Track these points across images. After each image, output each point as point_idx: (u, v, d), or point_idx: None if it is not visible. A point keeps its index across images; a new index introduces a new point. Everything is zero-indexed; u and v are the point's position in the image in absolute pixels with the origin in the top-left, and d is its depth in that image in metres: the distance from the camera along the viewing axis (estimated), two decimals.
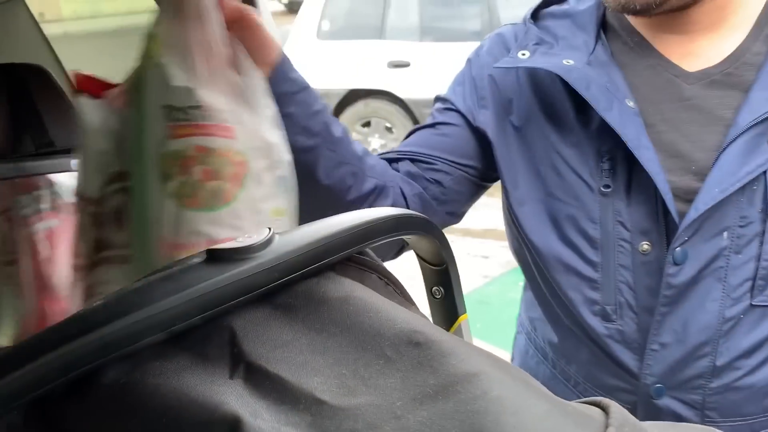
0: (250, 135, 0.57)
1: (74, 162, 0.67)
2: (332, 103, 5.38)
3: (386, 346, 0.33)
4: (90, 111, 0.60)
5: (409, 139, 0.92)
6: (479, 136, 0.89)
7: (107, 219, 0.59)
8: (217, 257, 0.34)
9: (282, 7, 13.17)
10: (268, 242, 0.35)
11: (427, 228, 0.46)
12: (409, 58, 5.32)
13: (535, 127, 0.85)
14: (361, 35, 5.55)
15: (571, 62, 0.80)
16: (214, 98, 0.56)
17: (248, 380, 0.31)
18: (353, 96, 5.50)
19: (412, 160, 0.88)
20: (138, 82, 0.57)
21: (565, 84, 0.80)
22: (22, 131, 0.72)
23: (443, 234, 0.48)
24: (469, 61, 0.93)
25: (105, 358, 0.30)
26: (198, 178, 0.55)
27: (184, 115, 0.55)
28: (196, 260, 0.34)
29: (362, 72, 5.45)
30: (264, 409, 0.30)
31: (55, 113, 0.73)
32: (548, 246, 0.84)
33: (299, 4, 5.95)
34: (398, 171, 0.87)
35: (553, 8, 0.89)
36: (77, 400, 0.31)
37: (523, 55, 0.83)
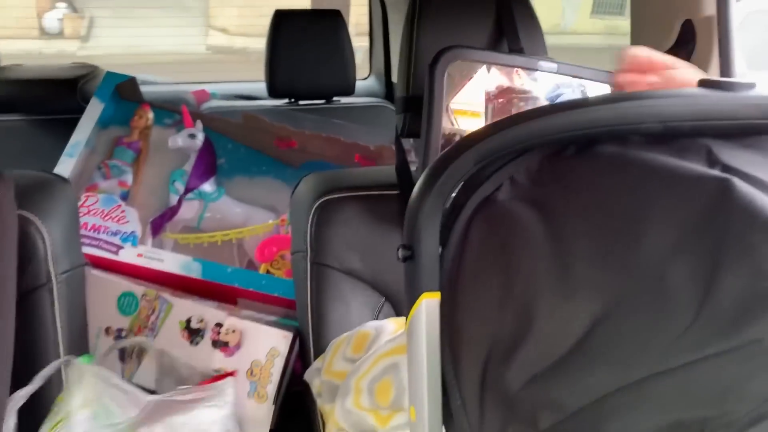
0: None
1: (538, 62, 0.80)
2: None
3: None
4: None
5: None
6: None
7: None
8: (709, 84, 0.41)
9: None
10: (752, 85, 0.41)
11: None
12: None
13: None
14: None
15: None
16: None
17: (725, 172, 0.37)
18: None
19: None
20: None
21: None
22: (502, 36, 0.89)
23: None
24: None
25: (608, 126, 0.39)
26: None
27: None
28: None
29: None
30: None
31: (527, 27, 0.89)
32: None
33: None
34: None
35: None
36: (581, 161, 0.40)
37: None
